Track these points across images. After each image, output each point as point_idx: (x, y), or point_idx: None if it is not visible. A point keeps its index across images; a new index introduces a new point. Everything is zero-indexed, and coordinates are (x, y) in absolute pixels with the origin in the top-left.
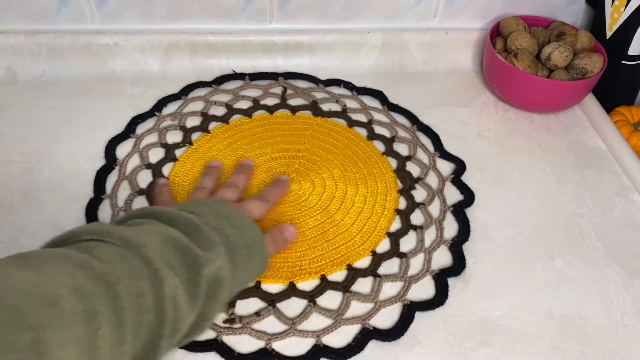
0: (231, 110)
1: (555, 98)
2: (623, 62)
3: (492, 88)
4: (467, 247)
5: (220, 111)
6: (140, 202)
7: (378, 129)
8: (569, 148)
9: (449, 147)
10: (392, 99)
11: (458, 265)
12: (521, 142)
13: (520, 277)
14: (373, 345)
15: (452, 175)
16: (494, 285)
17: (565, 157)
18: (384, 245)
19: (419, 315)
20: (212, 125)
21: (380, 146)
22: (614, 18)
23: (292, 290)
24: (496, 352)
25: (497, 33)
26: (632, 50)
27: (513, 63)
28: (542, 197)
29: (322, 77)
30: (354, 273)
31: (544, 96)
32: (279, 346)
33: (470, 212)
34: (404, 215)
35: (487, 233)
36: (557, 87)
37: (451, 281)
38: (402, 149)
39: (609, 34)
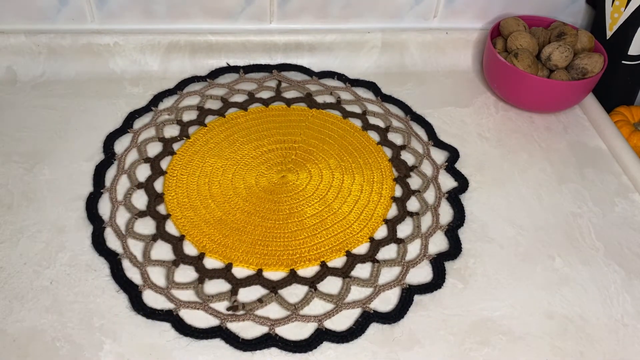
0: (227, 104)
1: (555, 98)
2: (623, 62)
3: (492, 88)
4: (467, 248)
5: (216, 105)
6: (139, 196)
7: (372, 120)
8: (569, 148)
9: None
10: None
11: (454, 250)
12: (521, 142)
13: (520, 277)
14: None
15: (446, 163)
16: (494, 285)
17: (565, 157)
18: (381, 232)
19: (419, 315)
20: (209, 119)
21: (374, 136)
22: (614, 18)
23: (293, 277)
24: (496, 352)
25: (497, 33)
26: (633, 50)
27: (513, 63)
28: (542, 197)
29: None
30: (353, 259)
31: (544, 96)
32: (282, 331)
33: (471, 212)
34: (400, 202)
35: (487, 233)
36: (557, 87)
37: (451, 281)
38: (396, 138)
39: (609, 34)
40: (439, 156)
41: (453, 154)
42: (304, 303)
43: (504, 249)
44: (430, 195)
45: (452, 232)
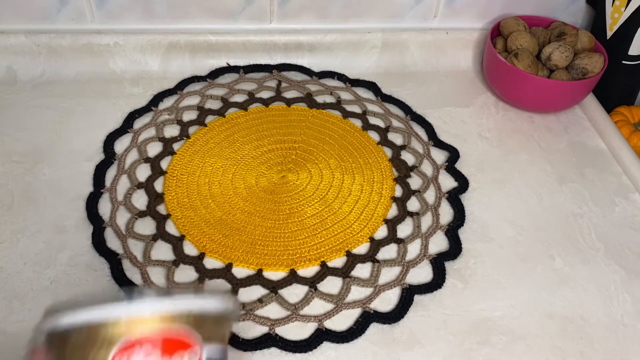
0: (227, 104)
1: (555, 98)
2: (623, 62)
3: (493, 88)
4: (467, 248)
5: (216, 105)
6: (139, 196)
7: (372, 120)
8: (569, 148)
9: None
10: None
11: (454, 250)
12: (521, 142)
13: (520, 277)
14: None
15: (446, 163)
16: (494, 285)
17: (566, 157)
18: (381, 232)
19: (419, 315)
20: (209, 119)
21: (375, 136)
22: (615, 18)
23: (293, 277)
24: (496, 352)
25: (497, 33)
26: (633, 50)
27: (513, 63)
28: (542, 197)
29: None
30: (353, 259)
31: (544, 96)
32: (282, 331)
33: (471, 212)
34: (401, 202)
35: (487, 233)
36: (557, 87)
37: (451, 281)
38: (396, 138)
39: (609, 34)
40: (439, 156)
41: (453, 154)
42: (304, 303)
43: (504, 249)
44: (430, 195)
45: (452, 232)
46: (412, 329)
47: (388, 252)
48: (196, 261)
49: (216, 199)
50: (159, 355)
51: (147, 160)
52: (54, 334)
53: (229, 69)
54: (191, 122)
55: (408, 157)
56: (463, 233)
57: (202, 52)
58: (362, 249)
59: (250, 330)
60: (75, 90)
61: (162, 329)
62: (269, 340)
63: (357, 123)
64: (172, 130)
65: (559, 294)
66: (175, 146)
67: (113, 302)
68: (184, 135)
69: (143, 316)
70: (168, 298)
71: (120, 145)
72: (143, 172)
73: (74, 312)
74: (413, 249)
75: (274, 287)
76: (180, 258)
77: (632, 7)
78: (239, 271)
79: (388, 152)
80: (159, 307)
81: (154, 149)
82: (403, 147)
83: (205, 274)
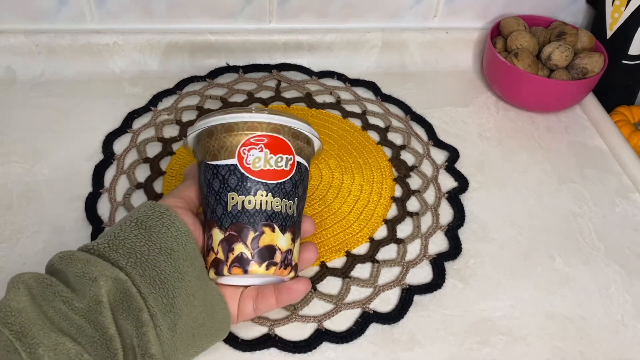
0: (226, 104)
1: (555, 98)
2: (623, 61)
3: (493, 88)
4: (467, 248)
5: (215, 105)
6: (139, 196)
7: (372, 120)
8: (569, 148)
9: None
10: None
11: (454, 250)
12: (521, 142)
13: (521, 277)
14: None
15: (446, 163)
16: (494, 285)
17: (566, 157)
18: (381, 232)
19: (419, 316)
20: None
21: (374, 136)
22: (615, 18)
23: None
24: (496, 352)
25: (497, 33)
26: (633, 50)
27: (513, 63)
28: (542, 197)
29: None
30: (352, 259)
31: (544, 96)
32: (282, 331)
33: (471, 212)
34: (400, 202)
35: (487, 233)
36: (557, 87)
37: (451, 281)
38: (396, 138)
39: (609, 33)
40: (439, 156)
41: (453, 154)
42: (304, 303)
43: (504, 249)
44: (430, 195)
45: (452, 232)
46: (411, 329)
47: (388, 252)
48: None
49: None
50: (268, 152)
51: (146, 160)
52: (204, 131)
53: (229, 68)
54: (191, 122)
55: (408, 157)
56: (463, 233)
57: (202, 52)
58: (361, 249)
59: (250, 330)
60: (74, 90)
61: (271, 134)
62: (269, 341)
63: (357, 123)
64: (171, 131)
65: (559, 294)
66: (175, 146)
67: (240, 112)
68: (183, 135)
69: (259, 122)
70: (277, 115)
71: (119, 146)
72: (142, 173)
73: (216, 118)
74: (413, 249)
75: None
76: None
77: (632, 7)
78: None
79: (388, 152)
80: (271, 119)
81: (153, 149)
82: (403, 147)
83: None
